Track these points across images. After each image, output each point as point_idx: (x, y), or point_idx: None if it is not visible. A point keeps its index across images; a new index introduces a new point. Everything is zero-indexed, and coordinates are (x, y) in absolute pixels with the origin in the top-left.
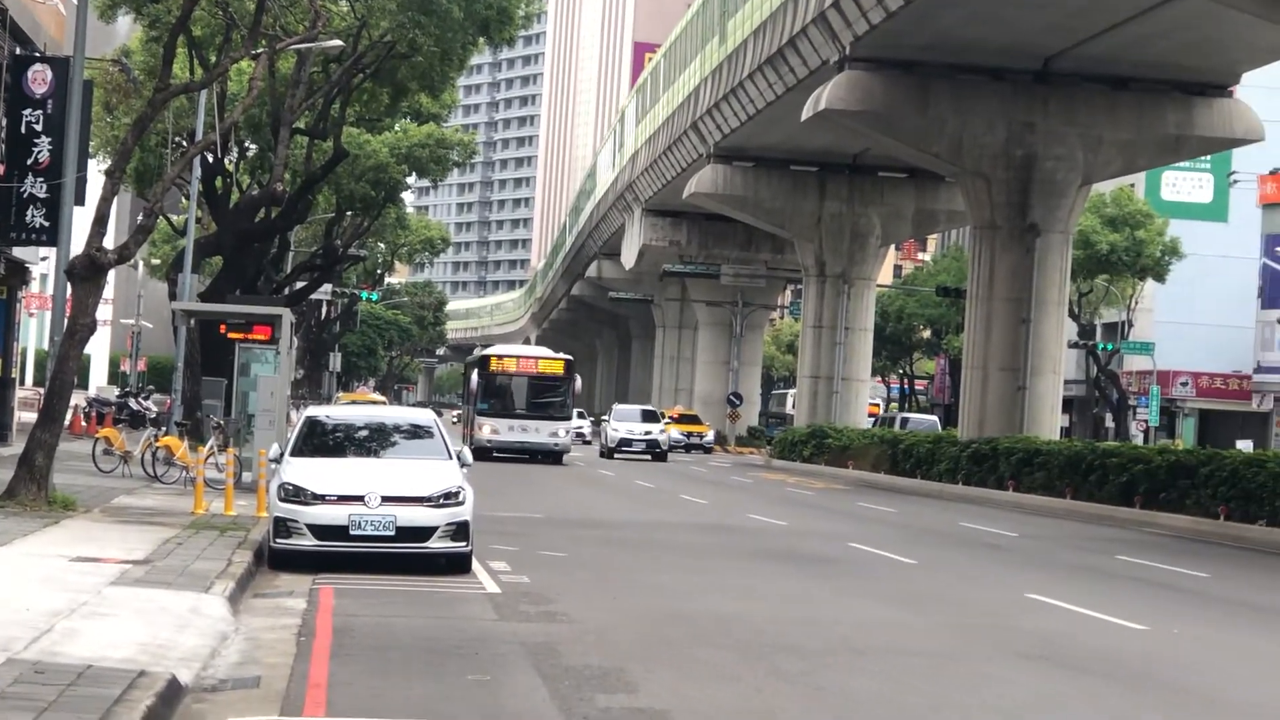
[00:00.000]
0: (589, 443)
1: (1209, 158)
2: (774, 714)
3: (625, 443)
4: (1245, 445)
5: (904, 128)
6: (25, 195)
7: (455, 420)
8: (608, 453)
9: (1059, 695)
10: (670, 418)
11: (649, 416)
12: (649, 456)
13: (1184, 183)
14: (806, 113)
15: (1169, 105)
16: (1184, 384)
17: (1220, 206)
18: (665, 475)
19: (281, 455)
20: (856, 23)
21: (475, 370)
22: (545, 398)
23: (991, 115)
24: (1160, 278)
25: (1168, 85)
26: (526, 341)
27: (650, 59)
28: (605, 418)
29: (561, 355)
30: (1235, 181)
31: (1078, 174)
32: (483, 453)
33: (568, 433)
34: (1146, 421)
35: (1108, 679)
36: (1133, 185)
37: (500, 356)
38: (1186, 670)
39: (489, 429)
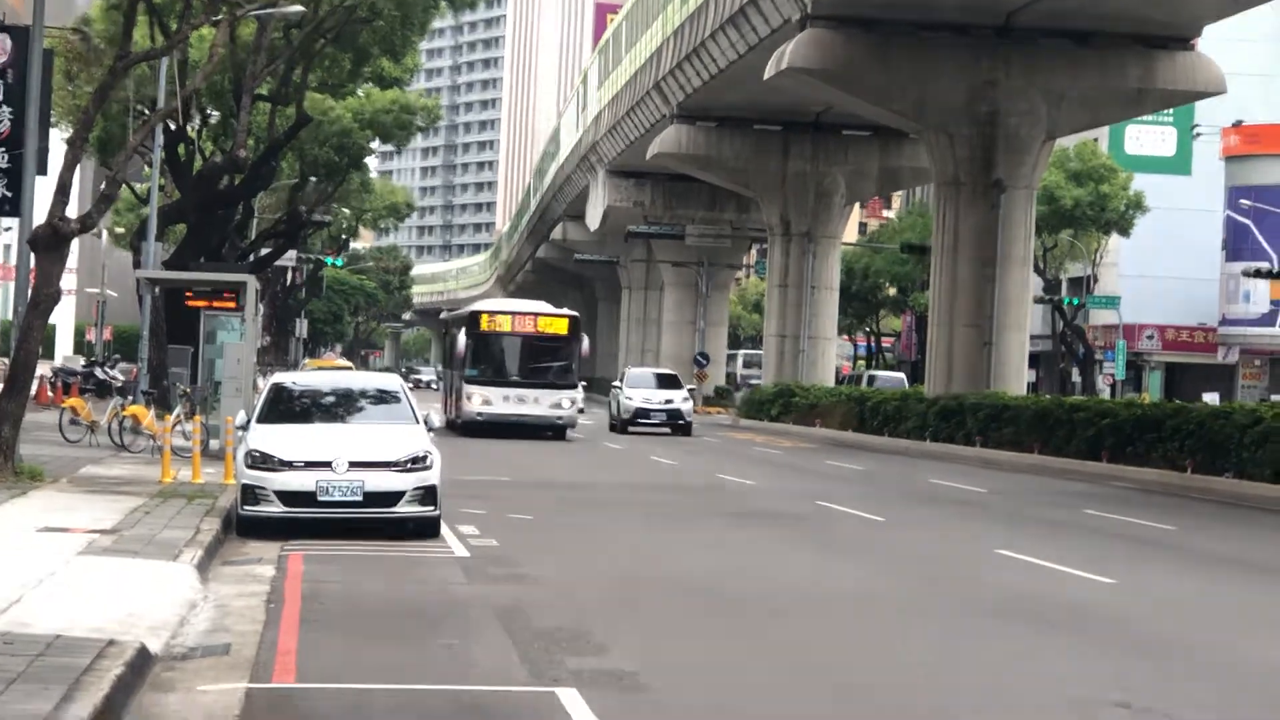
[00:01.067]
0: (581, 411)
1: (1172, 111)
2: (741, 670)
3: (642, 414)
4: (1211, 397)
5: (867, 85)
6: None
7: (413, 387)
8: (620, 425)
9: (1030, 649)
10: None
11: (667, 381)
12: (670, 430)
13: (1147, 136)
14: (769, 72)
15: (1131, 59)
16: (1150, 337)
17: (1184, 159)
18: (632, 436)
19: (248, 422)
20: None
21: (462, 329)
22: (547, 361)
23: (954, 72)
24: (1125, 232)
25: (1130, 39)
26: None
27: (612, 20)
28: (616, 385)
29: (565, 311)
30: (1198, 134)
31: (1041, 129)
32: (472, 427)
33: (573, 403)
34: (1113, 375)
35: (1078, 633)
36: (1096, 139)
37: (493, 313)
38: (1154, 622)
39: (480, 399)
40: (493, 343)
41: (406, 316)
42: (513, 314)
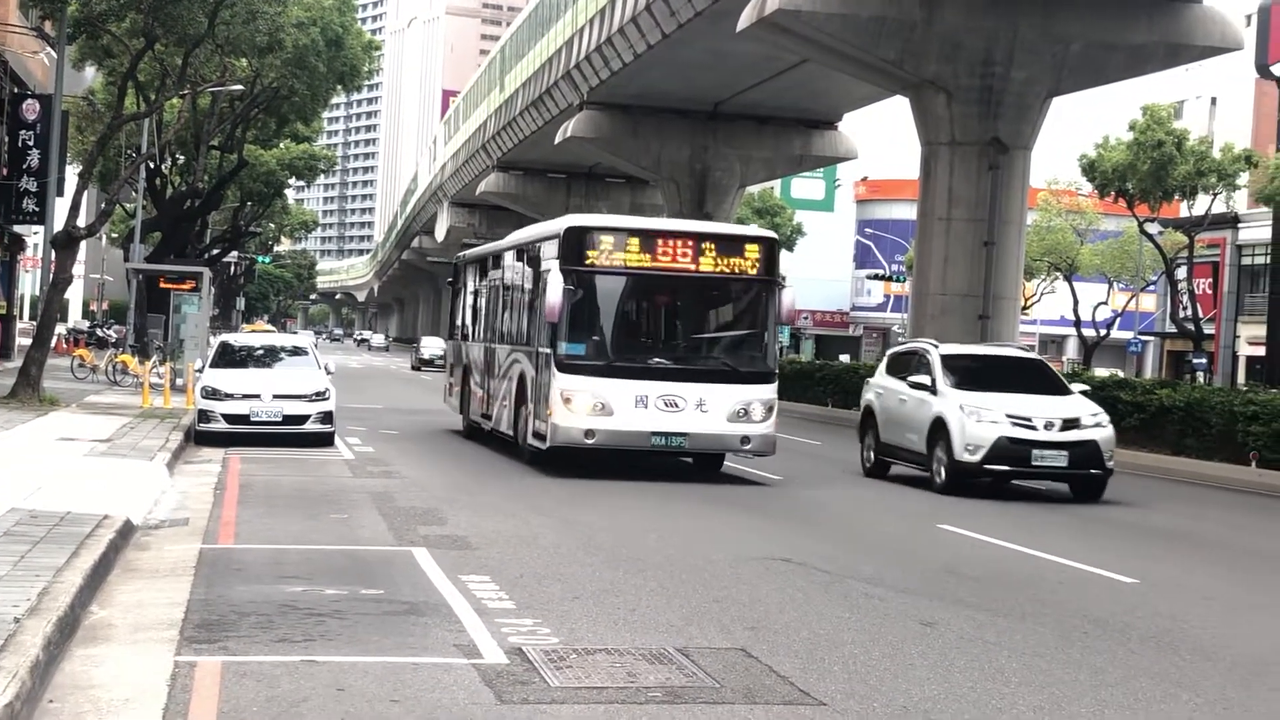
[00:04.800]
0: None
1: (822, 170)
2: (537, 537)
3: (1018, 456)
4: (845, 358)
5: (623, 149)
6: (22, 190)
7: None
8: (953, 474)
9: (735, 525)
10: None
11: (1043, 383)
12: (1073, 484)
13: (806, 186)
14: (558, 138)
15: (796, 134)
16: (806, 319)
17: (830, 201)
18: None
19: (203, 367)
20: (591, 79)
21: (553, 265)
22: (721, 329)
23: (680, 141)
24: (790, 248)
25: (796, 122)
26: (371, 294)
27: (453, 101)
28: (929, 381)
29: (754, 230)
30: (839, 185)
31: (736, 180)
32: (568, 457)
33: (767, 409)
34: (782, 344)
35: (761, 514)
36: (773, 188)
37: (617, 231)
38: (806, 506)
39: (590, 402)
40: (617, 292)
41: (312, 297)
42: (659, 234)
